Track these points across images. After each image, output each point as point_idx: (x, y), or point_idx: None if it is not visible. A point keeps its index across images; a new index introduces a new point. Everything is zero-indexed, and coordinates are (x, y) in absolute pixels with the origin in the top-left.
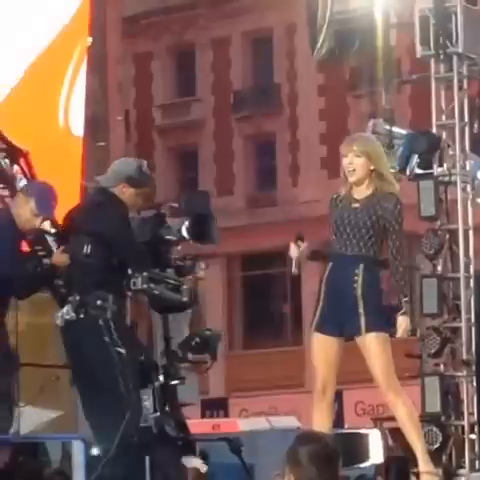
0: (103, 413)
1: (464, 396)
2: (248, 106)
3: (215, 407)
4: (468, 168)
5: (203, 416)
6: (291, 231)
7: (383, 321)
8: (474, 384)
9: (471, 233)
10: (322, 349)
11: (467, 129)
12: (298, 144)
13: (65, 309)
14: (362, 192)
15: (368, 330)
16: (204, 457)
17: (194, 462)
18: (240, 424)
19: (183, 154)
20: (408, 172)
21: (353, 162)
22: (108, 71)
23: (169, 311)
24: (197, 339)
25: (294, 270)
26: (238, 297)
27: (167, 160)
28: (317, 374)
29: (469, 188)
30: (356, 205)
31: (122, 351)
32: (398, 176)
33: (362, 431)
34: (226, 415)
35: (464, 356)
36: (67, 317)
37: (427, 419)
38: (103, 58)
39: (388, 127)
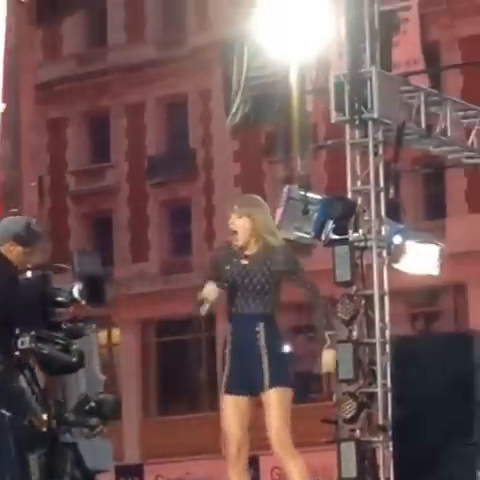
0: None
1: (380, 462)
2: (163, 171)
3: (130, 473)
4: (383, 233)
5: None
6: None
7: (286, 375)
8: (390, 449)
9: (387, 298)
10: (234, 411)
11: (382, 194)
12: (214, 209)
13: None
14: (250, 248)
15: (271, 386)
16: None
17: None
18: None
19: (97, 220)
20: (323, 237)
21: (235, 223)
22: (22, 137)
23: (59, 372)
24: (92, 403)
25: (204, 311)
26: (153, 362)
27: (81, 226)
28: (230, 437)
29: (385, 253)
30: (246, 262)
31: (6, 413)
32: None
33: None
34: None
35: (380, 421)
36: None
37: None
38: (16, 124)
39: (303, 193)
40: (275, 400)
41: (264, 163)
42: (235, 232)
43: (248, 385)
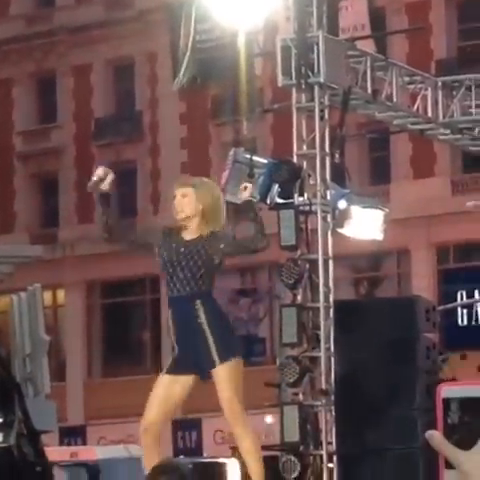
0: None
1: (323, 425)
2: (109, 133)
3: (73, 435)
4: (329, 198)
5: (61, 443)
6: (150, 259)
7: (234, 347)
8: (333, 413)
9: (331, 263)
10: (162, 388)
11: (328, 159)
12: (159, 172)
13: None
14: (191, 233)
15: (221, 361)
16: None
17: None
18: (98, 452)
19: (44, 181)
20: (268, 201)
21: (181, 203)
22: None
23: None
24: None
25: (105, 188)
26: (98, 324)
27: (28, 186)
28: (146, 412)
29: (329, 218)
30: (183, 248)
31: None
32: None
33: (220, 460)
34: (84, 443)
35: (323, 385)
36: None
37: (286, 448)
38: None
39: (249, 156)
40: (225, 373)
41: (210, 126)
42: (181, 211)
43: (194, 364)
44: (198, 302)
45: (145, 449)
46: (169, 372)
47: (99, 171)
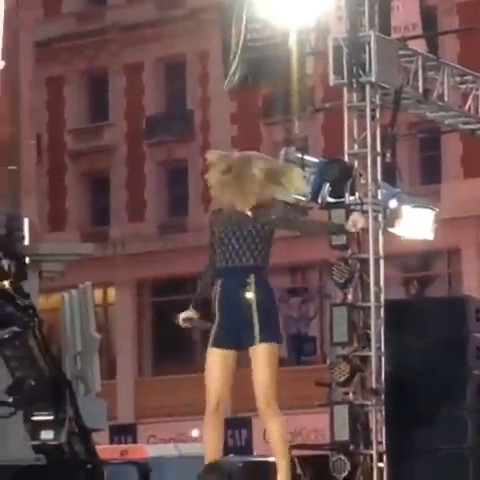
0: None
1: (373, 425)
2: (160, 132)
3: (123, 433)
4: (380, 197)
5: (111, 442)
6: (201, 257)
7: (276, 332)
8: (383, 413)
9: (382, 262)
10: (218, 364)
11: (379, 158)
12: None
13: None
14: (243, 205)
15: (261, 340)
16: None
17: None
18: (148, 450)
19: (95, 179)
20: (320, 200)
21: (223, 178)
22: (21, 94)
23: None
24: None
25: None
26: (148, 322)
27: (79, 184)
28: (211, 390)
29: (380, 217)
30: (239, 217)
31: None
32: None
33: (270, 459)
34: (134, 441)
35: (373, 385)
36: None
37: (336, 448)
38: (16, 82)
39: (300, 155)
40: (264, 356)
41: (261, 125)
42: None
43: (236, 338)
44: (251, 276)
45: (212, 429)
46: (215, 345)
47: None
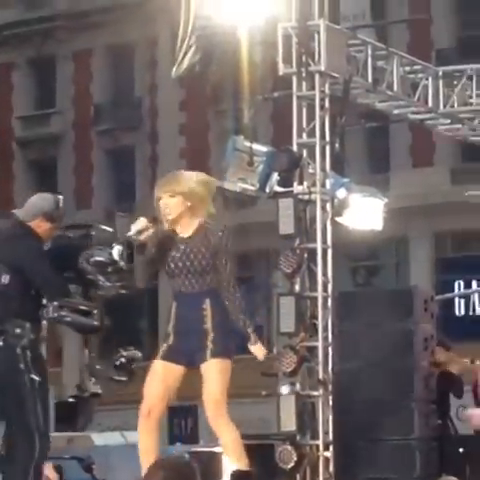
0: (13, 441)
1: (319, 415)
2: (108, 119)
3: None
4: (328, 186)
5: (57, 430)
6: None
7: (228, 348)
8: (330, 403)
9: (330, 252)
10: (159, 372)
11: (328, 148)
12: (158, 158)
13: None
14: (186, 230)
15: (212, 356)
16: (59, 472)
17: None
18: (94, 438)
19: (43, 166)
20: (268, 189)
21: (167, 203)
22: None
23: (85, 333)
24: (122, 358)
25: (134, 237)
26: None
27: (27, 172)
28: (145, 396)
29: (329, 207)
30: (183, 245)
31: (36, 378)
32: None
33: (216, 449)
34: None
35: (320, 376)
36: None
37: (282, 438)
38: None
39: (249, 144)
40: (215, 370)
41: (210, 113)
42: (169, 213)
43: (187, 358)
44: (207, 302)
45: (145, 434)
46: (163, 358)
47: (140, 222)
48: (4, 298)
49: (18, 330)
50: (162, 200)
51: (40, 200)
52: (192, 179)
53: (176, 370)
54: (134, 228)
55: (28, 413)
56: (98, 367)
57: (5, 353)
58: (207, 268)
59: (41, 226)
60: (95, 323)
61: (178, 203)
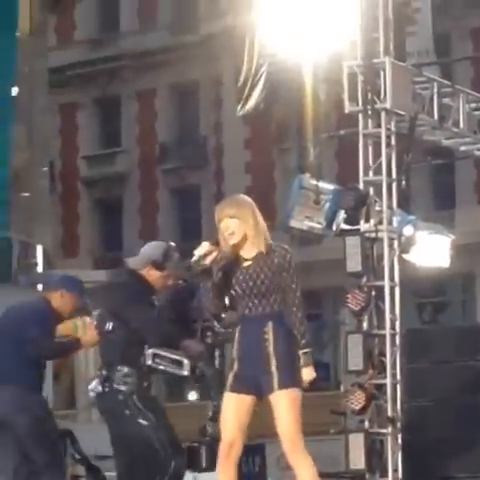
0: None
1: (389, 453)
2: (174, 158)
3: None
4: (395, 224)
5: None
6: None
7: (296, 377)
8: (399, 441)
9: (397, 290)
10: (232, 406)
11: (394, 185)
12: (223, 197)
13: (93, 383)
14: (250, 251)
15: (280, 387)
16: None
17: None
18: None
19: (108, 205)
20: (334, 227)
21: (229, 225)
22: (33, 121)
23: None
24: None
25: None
26: None
27: (92, 211)
28: (224, 433)
29: (396, 244)
30: (247, 264)
31: (144, 422)
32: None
33: None
34: None
35: (389, 413)
36: (95, 390)
37: (351, 476)
38: (29, 108)
39: (315, 182)
40: (286, 402)
41: (275, 151)
42: (232, 233)
43: (255, 386)
44: (269, 324)
45: (225, 473)
46: (233, 390)
47: (203, 247)
48: (108, 344)
49: (122, 377)
50: (224, 222)
51: (150, 248)
52: (252, 202)
53: (247, 402)
54: (198, 253)
55: (150, 457)
56: None
57: (111, 400)
58: (271, 288)
59: (152, 275)
60: (184, 372)
61: (240, 224)
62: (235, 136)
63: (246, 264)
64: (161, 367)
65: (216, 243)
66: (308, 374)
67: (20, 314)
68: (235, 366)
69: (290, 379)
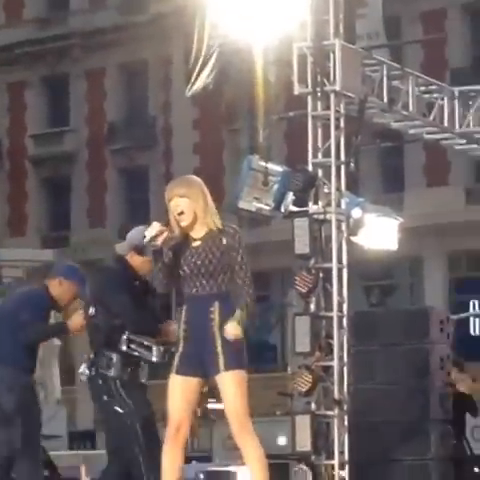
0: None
1: (335, 435)
2: (122, 138)
3: (82, 439)
4: (343, 206)
5: (71, 448)
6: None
7: (241, 359)
8: (345, 423)
9: (345, 272)
10: (179, 389)
11: (343, 167)
12: (172, 177)
13: (81, 367)
14: (199, 231)
15: (226, 369)
16: None
17: None
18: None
19: (56, 184)
20: (283, 209)
21: (179, 204)
22: None
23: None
24: None
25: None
26: None
27: (40, 190)
28: (170, 416)
29: (344, 226)
30: (196, 244)
31: (119, 410)
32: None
33: (231, 469)
34: (93, 447)
35: (336, 395)
36: (85, 374)
37: (297, 458)
38: None
39: (264, 164)
40: (232, 383)
41: (224, 132)
42: (182, 212)
43: (201, 368)
44: (216, 304)
45: (171, 454)
46: (178, 372)
47: (153, 228)
48: (93, 329)
49: (106, 361)
50: (173, 201)
51: (134, 233)
52: (202, 182)
53: (193, 384)
54: (149, 233)
55: (128, 444)
56: None
57: (97, 383)
58: (218, 268)
59: (135, 260)
60: (153, 359)
61: (190, 203)
62: (184, 116)
63: (195, 244)
64: (135, 353)
65: (167, 224)
66: (233, 327)
67: (18, 299)
68: (180, 347)
69: (236, 361)
